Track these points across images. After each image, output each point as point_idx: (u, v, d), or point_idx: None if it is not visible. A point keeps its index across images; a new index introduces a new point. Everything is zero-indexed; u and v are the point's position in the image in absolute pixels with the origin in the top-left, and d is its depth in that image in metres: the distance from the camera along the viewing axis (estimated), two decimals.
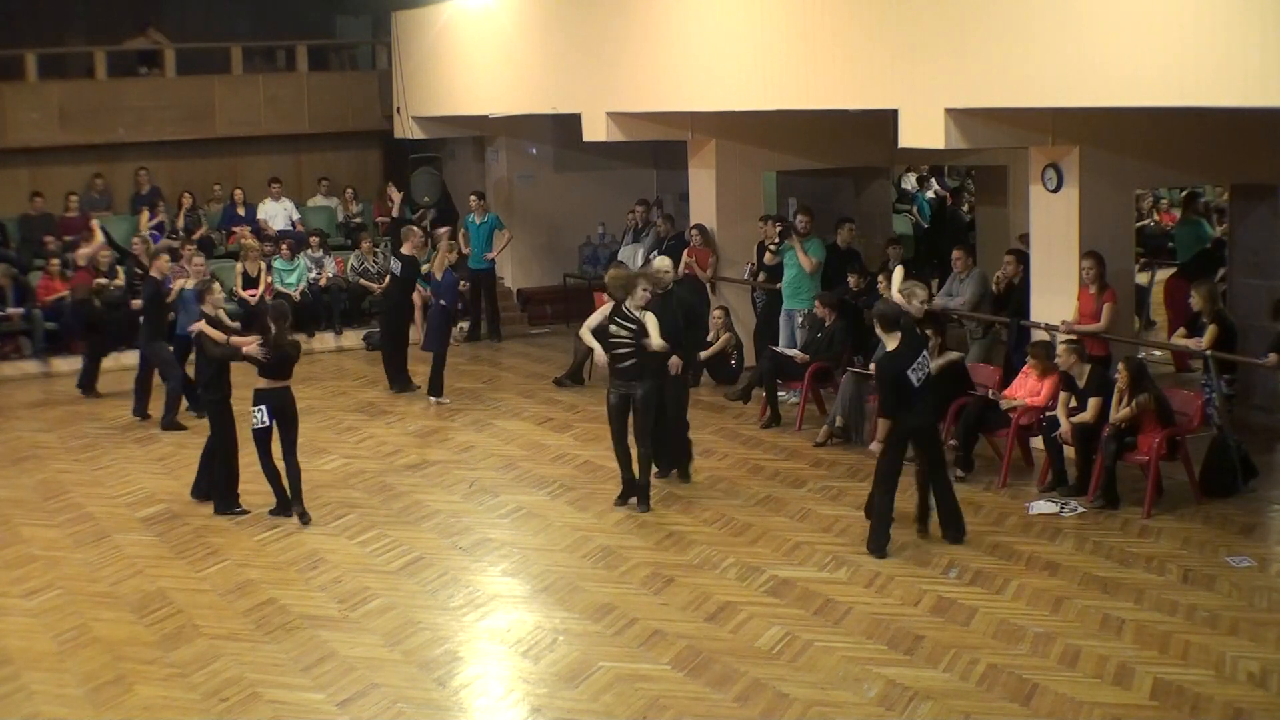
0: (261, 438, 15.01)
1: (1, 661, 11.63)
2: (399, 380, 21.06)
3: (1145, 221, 27.18)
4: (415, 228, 21.37)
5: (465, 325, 25.44)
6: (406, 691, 10.84)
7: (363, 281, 25.40)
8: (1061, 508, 14.62)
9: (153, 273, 19.22)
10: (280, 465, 15.09)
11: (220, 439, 15.30)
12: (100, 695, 10.96)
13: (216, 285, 15.91)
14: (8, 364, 23.62)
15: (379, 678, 11.08)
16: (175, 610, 12.67)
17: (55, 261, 23.39)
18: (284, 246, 25.34)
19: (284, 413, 14.94)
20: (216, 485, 15.44)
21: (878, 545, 13.50)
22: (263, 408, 14.87)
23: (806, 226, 20.06)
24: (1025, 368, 16.04)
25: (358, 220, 27.88)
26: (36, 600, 13.07)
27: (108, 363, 22.20)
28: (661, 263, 16.66)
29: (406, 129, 27.53)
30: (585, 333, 15.39)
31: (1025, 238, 18.33)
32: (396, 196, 23.91)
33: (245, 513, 15.27)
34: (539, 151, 27.69)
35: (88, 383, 21.75)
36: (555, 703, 10.59)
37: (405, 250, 20.83)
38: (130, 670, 11.38)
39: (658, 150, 26.52)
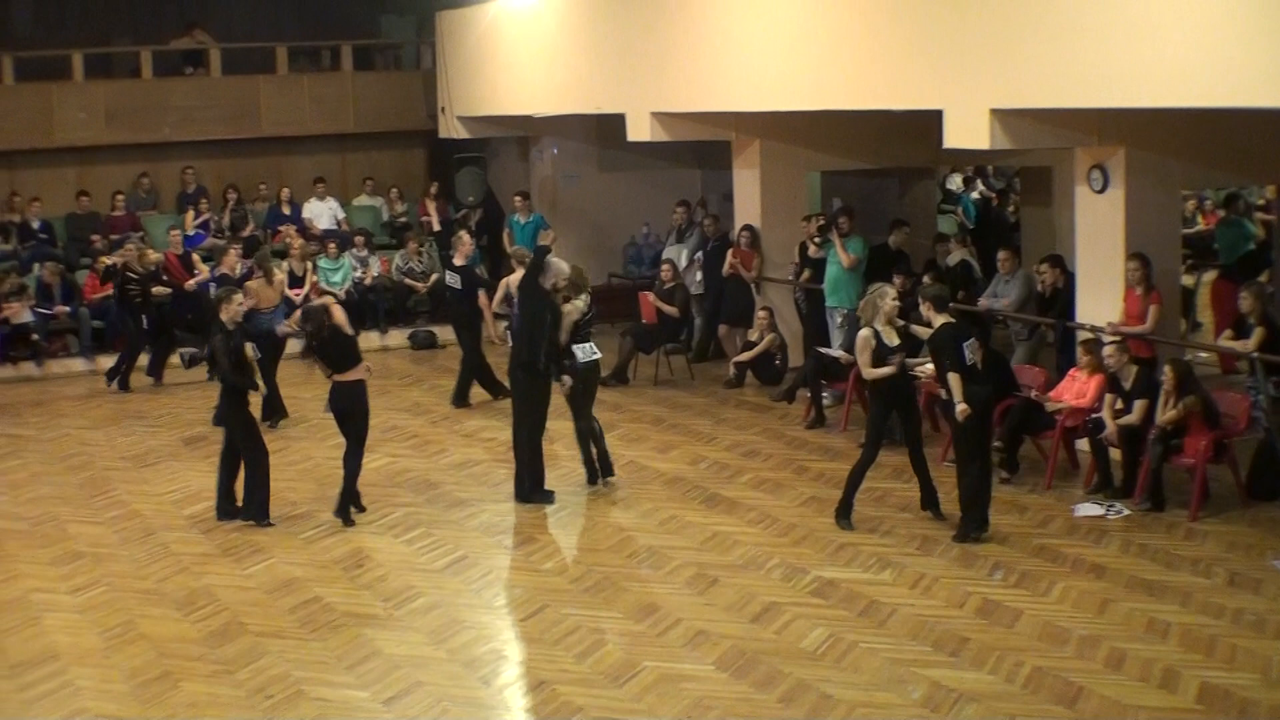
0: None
1: (49, 657, 11.71)
2: (496, 388, 20.45)
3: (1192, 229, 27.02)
4: (464, 234, 21.09)
5: (508, 326, 25.41)
6: (451, 690, 10.87)
7: (408, 281, 25.46)
8: (1107, 510, 14.58)
9: (223, 269, 19.25)
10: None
11: (246, 444, 15.01)
12: (146, 691, 11.01)
13: (237, 295, 15.39)
14: (55, 362, 23.78)
15: (423, 676, 11.11)
16: (221, 607, 12.73)
17: (104, 260, 23.45)
18: (330, 246, 25.41)
19: (346, 410, 14.92)
20: (254, 494, 15.09)
21: (982, 521, 13.75)
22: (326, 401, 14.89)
23: (848, 226, 20.03)
24: (1072, 370, 16.01)
25: (403, 220, 27.94)
26: (83, 597, 13.15)
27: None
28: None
29: (451, 129, 27.56)
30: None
31: (1056, 258, 18.25)
32: (433, 210, 22.53)
33: (272, 524, 15.03)
34: (579, 152, 27.63)
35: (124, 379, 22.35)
36: (599, 702, 10.60)
37: (458, 261, 20.60)
38: (176, 667, 11.44)
39: (702, 150, 26.48)
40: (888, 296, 14.30)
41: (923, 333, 14.41)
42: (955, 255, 20.80)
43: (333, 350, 14.79)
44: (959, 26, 15.17)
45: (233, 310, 14.95)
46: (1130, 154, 16.02)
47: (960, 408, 13.60)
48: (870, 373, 14.14)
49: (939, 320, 13.88)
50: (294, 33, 29.86)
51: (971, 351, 13.85)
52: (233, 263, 19.47)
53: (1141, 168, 16.09)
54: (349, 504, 15.06)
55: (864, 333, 14.22)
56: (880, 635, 11.66)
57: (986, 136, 15.04)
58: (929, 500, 14.62)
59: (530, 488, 15.60)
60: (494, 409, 19.84)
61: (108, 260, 23.21)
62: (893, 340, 14.21)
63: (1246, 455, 15.01)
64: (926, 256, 21.39)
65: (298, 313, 14.88)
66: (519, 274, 16.82)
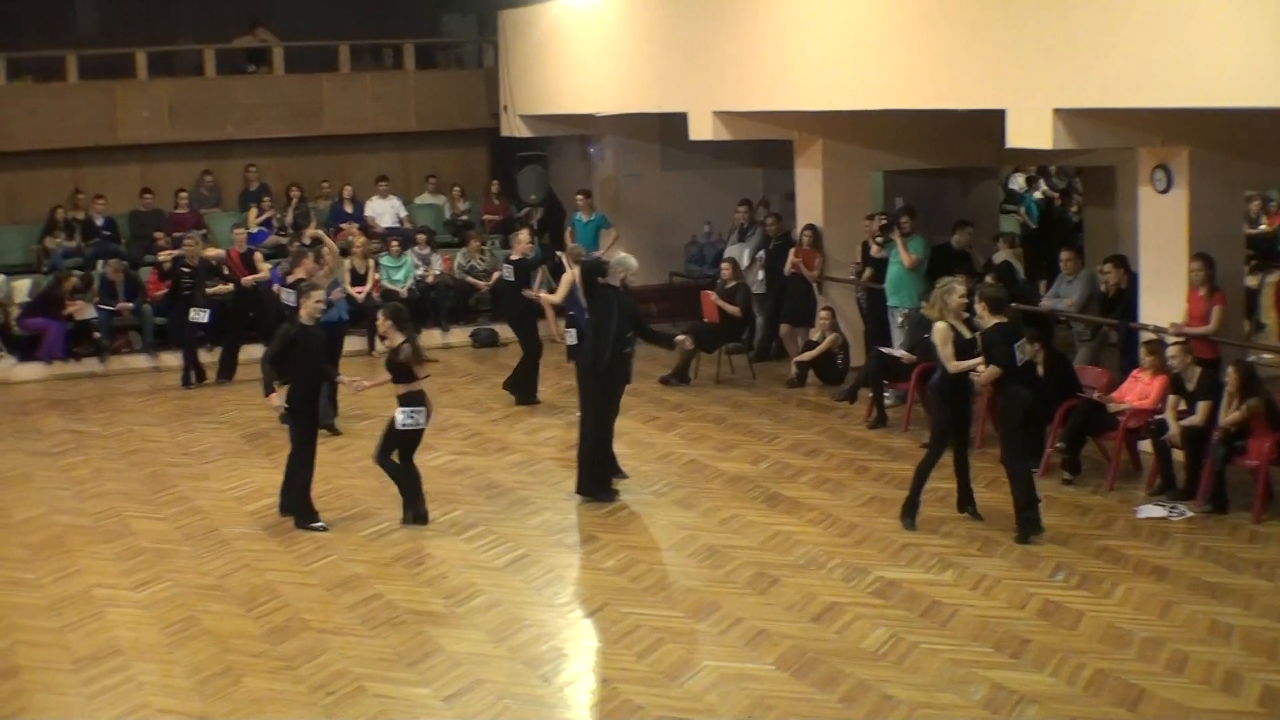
0: (411, 439, 14.79)
1: (111, 652, 11.78)
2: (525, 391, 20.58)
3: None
4: (523, 233, 21.11)
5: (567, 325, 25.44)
6: (511, 687, 10.88)
7: (469, 279, 25.52)
8: (1170, 512, 14.49)
9: (301, 274, 19.35)
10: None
11: (299, 441, 14.86)
12: (208, 687, 11.06)
13: (317, 293, 15.25)
14: (118, 359, 23.95)
15: (484, 673, 11.12)
16: (282, 604, 12.78)
17: (166, 253, 23.59)
18: (392, 244, 25.51)
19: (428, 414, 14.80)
20: (295, 496, 15.00)
21: (1036, 525, 13.78)
22: (422, 409, 14.56)
23: (909, 226, 19.97)
24: (1135, 371, 15.93)
25: (465, 218, 28.01)
26: (146, 592, 13.22)
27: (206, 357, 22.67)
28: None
29: (513, 127, 27.61)
30: None
31: (1119, 258, 18.14)
32: (524, 240, 21.97)
33: (325, 528, 14.87)
34: (641, 150, 27.54)
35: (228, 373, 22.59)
36: (659, 701, 10.59)
37: (515, 255, 20.69)
38: (238, 662, 11.49)
39: (764, 149, 26.46)
40: (955, 292, 14.24)
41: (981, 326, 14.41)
42: (1000, 255, 20.75)
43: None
44: (1022, 26, 15.13)
45: (311, 307, 14.94)
46: (1194, 154, 15.93)
47: (965, 365, 13.88)
48: (955, 365, 14.03)
49: (992, 321, 13.88)
50: (356, 31, 29.91)
51: (1022, 351, 13.86)
52: (310, 267, 19.49)
53: (1205, 168, 16.00)
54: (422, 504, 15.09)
55: (940, 326, 14.12)
56: (941, 636, 11.62)
57: (1049, 136, 14.99)
58: (965, 500, 14.61)
59: (593, 486, 15.60)
60: (555, 408, 19.89)
61: (164, 255, 23.39)
62: (965, 334, 14.17)
63: None
64: (986, 257, 21.35)
65: (391, 329, 14.75)
66: (578, 270, 16.87)
